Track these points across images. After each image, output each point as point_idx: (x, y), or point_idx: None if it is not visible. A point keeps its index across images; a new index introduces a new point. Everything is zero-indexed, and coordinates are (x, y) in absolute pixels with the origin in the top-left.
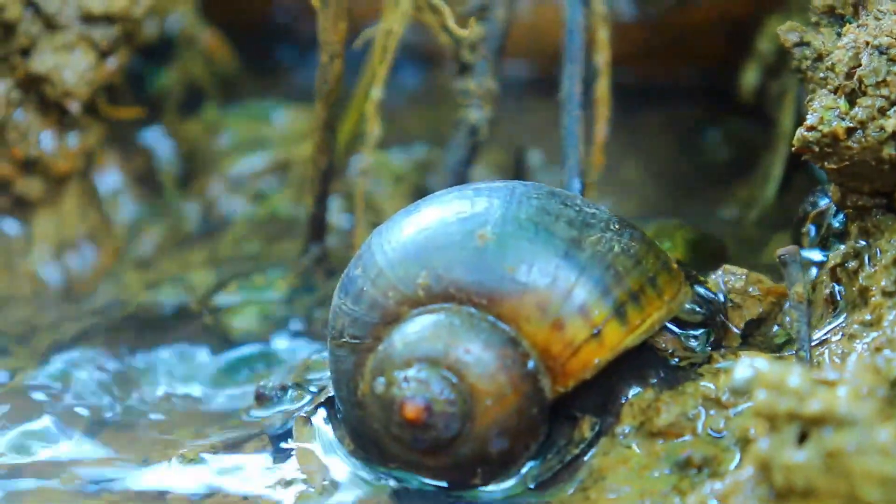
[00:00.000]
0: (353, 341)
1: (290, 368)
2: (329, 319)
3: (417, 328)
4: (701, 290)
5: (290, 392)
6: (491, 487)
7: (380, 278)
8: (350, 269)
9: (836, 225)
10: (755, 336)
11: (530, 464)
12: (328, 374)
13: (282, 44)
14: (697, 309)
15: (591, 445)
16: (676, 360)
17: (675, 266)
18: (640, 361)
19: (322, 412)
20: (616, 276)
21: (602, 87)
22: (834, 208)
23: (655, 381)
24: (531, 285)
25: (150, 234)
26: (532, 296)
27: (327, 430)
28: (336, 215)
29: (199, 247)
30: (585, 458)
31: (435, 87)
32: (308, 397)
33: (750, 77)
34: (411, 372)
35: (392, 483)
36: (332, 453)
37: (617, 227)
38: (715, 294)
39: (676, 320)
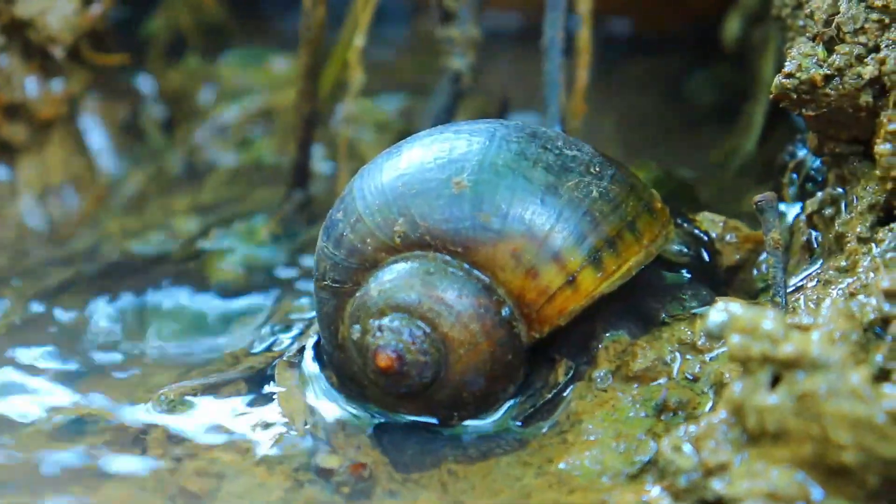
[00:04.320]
0: (334, 285)
1: (272, 312)
2: (314, 260)
3: (393, 276)
4: (689, 228)
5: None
6: (472, 423)
7: (358, 224)
8: (333, 212)
9: (814, 174)
10: (733, 282)
11: (510, 402)
12: (309, 317)
13: None
14: (685, 250)
15: (564, 389)
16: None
17: (659, 206)
18: (617, 308)
19: (309, 352)
20: (592, 222)
21: (583, 36)
22: (812, 158)
23: (631, 326)
24: (506, 233)
25: (134, 181)
26: (506, 244)
27: (313, 368)
28: (319, 162)
29: (182, 193)
30: (563, 401)
31: (419, 34)
32: (290, 341)
33: (732, 26)
34: (385, 321)
35: (376, 420)
36: (317, 392)
37: (597, 169)
38: (704, 232)
39: (662, 260)
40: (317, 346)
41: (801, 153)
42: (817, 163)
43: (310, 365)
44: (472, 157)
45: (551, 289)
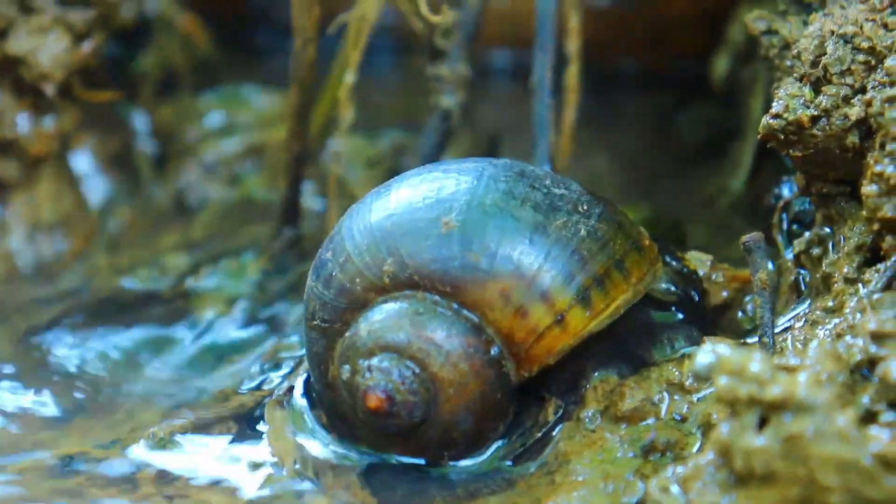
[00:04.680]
0: (324, 325)
1: (262, 350)
2: (304, 300)
3: (382, 316)
4: (678, 266)
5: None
6: (461, 463)
7: (348, 264)
8: (322, 252)
9: (802, 214)
10: (721, 321)
11: (500, 442)
12: (299, 355)
13: (258, 28)
14: (672, 288)
15: (553, 428)
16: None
17: (647, 243)
18: (606, 347)
19: (298, 390)
20: (581, 261)
21: (572, 75)
22: (798, 199)
23: (620, 366)
24: (494, 273)
25: (125, 217)
26: (495, 283)
27: (303, 407)
28: (310, 199)
29: (172, 229)
30: (552, 441)
31: (409, 71)
32: (279, 380)
33: (721, 64)
34: (374, 361)
35: (366, 460)
36: (306, 432)
37: (585, 208)
38: (692, 271)
39: (650, 299)
40: (307, 384)
41: (787, 193)
42: (805, 203)
43: (300, 403)
44: (461, 197)
45: (540, 328)
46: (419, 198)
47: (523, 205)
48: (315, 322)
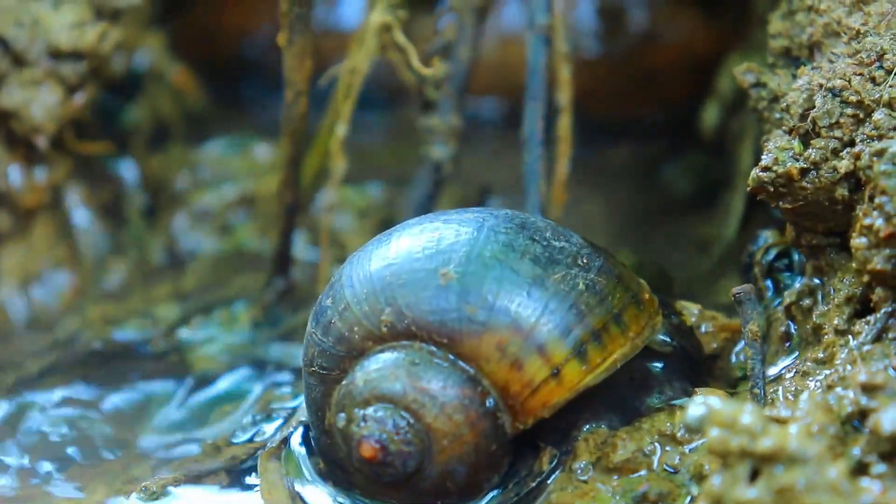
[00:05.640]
0: (322, 371)
1: (254, 401)
2: (304, 344)
3: (378, 366)
4: (676, 320)
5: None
6: None
7: (346, 312)
8: (322, 298)
9: (792, 265)
10: (712, 371)
11: (495, 491)
12: (291, 406)
13: (250, 79)
14: (668, 340)
15: (548, 477)
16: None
17: (647, 297)
18: (599, 397)
19: (297, 437)
20: (578, 315)
21: (564, 126)
22: (770, 254)
23: (612, 417)
24: (491, 325)
25: (116, 267)
26: (491, 336)
27: (301, 455)
28: (301, 249)
29: (164, 280)
30: (545, 490)
31: (399, 121)
32: (273, 432)
33: (710, 115)
34: (370, 411)
35: None
36: (303, 480)
37: (585, 261)
38: (688, 325)
39: (646, 349)
40: (305, 432)
41: (757, 247)
42: (795, 255)
43: (298, 451)
44: (460, 249)
45: (535, 381)
46: (419, 248)
47: (522, 257)
48: (313, 368)
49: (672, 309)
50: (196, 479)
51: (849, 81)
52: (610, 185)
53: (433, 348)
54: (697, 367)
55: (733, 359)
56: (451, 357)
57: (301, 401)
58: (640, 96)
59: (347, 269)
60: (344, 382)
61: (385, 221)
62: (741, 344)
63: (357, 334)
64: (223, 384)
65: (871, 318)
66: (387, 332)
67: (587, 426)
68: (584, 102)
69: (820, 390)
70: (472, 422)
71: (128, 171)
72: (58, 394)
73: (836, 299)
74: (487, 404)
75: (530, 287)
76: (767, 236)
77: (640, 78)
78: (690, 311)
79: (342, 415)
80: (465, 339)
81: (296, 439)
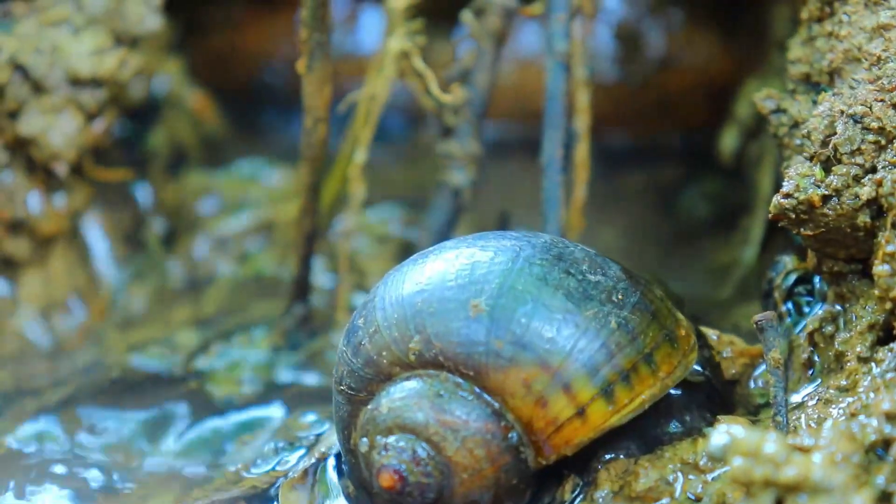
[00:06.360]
0: (350, 392)
1: (274, 429)
2: (335, 361)
3: (404, 394)
4: (707, 353)
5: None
6: None
7: (376, 336)
8: (355, 316)
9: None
10: (731, 397)
11: None
12: (313, 434)
13: (268, 105)
14: (699, 369)
15: None
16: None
17: (683, 333)
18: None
19: (331, 460)
20: (608, 354)
21: (581, 152)
22: (790, 279)
23: (631, 445)
24: (518, 361)
25: (136, 294)
26: (518, 371)
27: (332, 481)
28: (320, 274)
29: (183, 306)
30: None
31: (418, 146)
32: (295, 461)
33: (729, 140)
34: (391, 440)
35: None
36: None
37: (620, 296)
38: (716, 358)
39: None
40: (339, 456)
41: (776, 273)
42: (816, 281)
43: (330, 474)
44: (493, 280)
45: (560, 419)
46: (452, 275)
47: (556, 292)
48: (342, 387)
49: (706, 343)
50: None
51: (870, 108)
52: (626, 209)
53: (459, 380)
54: (719, 397)
55: (752, 385)
56: (477, 390)
57: (324, 429)
58: (657, 120)
59: (381, 290)
60: (370, 406)
61: (403, 246)
62: (760, 369)
63: (385, 359)
64: (243, 411)
65: (893, 345)
66: (414, 360)
67: (607, 455)
68: (601, 127)
69: (843, 418)
70: (493, 457)
71: (146, 197)
72: (77, 421)
73: (858, 326)
74: (511, 439)
75: (560, 324)
76: (787, 262)
77: (657, 102)
78: (709, 336)
79: (365, 440)
80: (491, 373)
81: (330, 462)
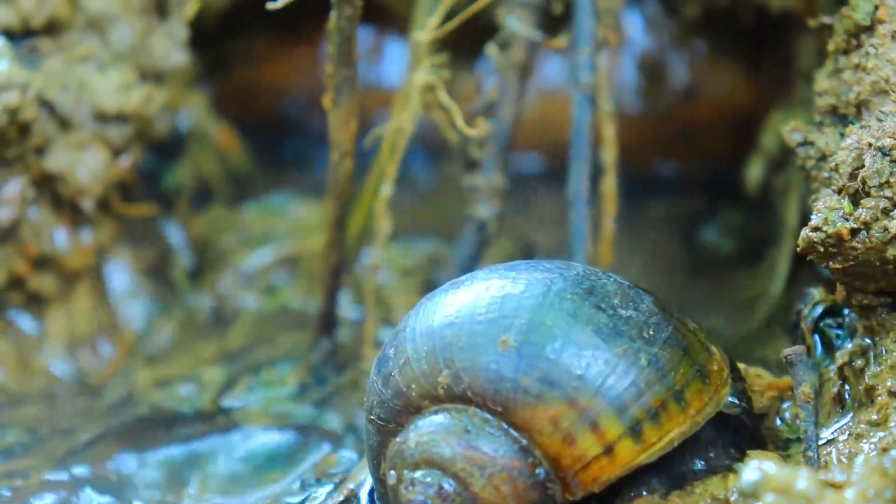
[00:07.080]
0: (380, 422)
1: (303, 464)
2: (367, 389)
3: (432, 429)
4: (741, 386)
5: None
6: None
7: (406, 368)
8: (386, 347)
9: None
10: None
11: None
12: (342, 471)
13: (292, 138)
14: (736, 402)
15: None
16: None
17: (715, 368)
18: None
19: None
20: (637, 393)
21: (609, 184)
22: (817, 311)
23: (653, 480)
24: (545, 398)
25: (162, 329)
26: (545, 408)
27: None
28: (346, 308)
29: (210, 341)
30: None
31: (443, 178)
32: (324, 497)
33: (755, 171)
34: (418, 475)
35: None
36: None
37: (651, 332)
38: (750, 392)
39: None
40: (371, 493)
41: (804, 306)
42: (845, 313)
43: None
44: (523, 315)
45: (587, 457)
46: (483, 308)
47: (585, 327)
48: (372, 416)
49: (739, 376)
50: None
51: None
52: (650, 240)
53: (487, 415)
54: (749, 433)
55: (778, 421)
56: (505, 426)
57: (352, 465)
58: (681, 152)
59: (412, 320)
60: (398, 439)
61: (429, 281)
62: (787, 403)
63: (414, 391)
64: (272, 447)
65: None
66: (443, 394)
67: (632, 492)
68: (625, 158)
69: (875, 453)
70: (519, 493)
71: (172, 232)
72: (105, 461)
73: (888, 360)
74: (538, 475)
75: (590, 360)
76: (815, 294)
77: (680, 133)
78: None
79: (393, 472)
80: (518, 410)
81: (364, 491)
